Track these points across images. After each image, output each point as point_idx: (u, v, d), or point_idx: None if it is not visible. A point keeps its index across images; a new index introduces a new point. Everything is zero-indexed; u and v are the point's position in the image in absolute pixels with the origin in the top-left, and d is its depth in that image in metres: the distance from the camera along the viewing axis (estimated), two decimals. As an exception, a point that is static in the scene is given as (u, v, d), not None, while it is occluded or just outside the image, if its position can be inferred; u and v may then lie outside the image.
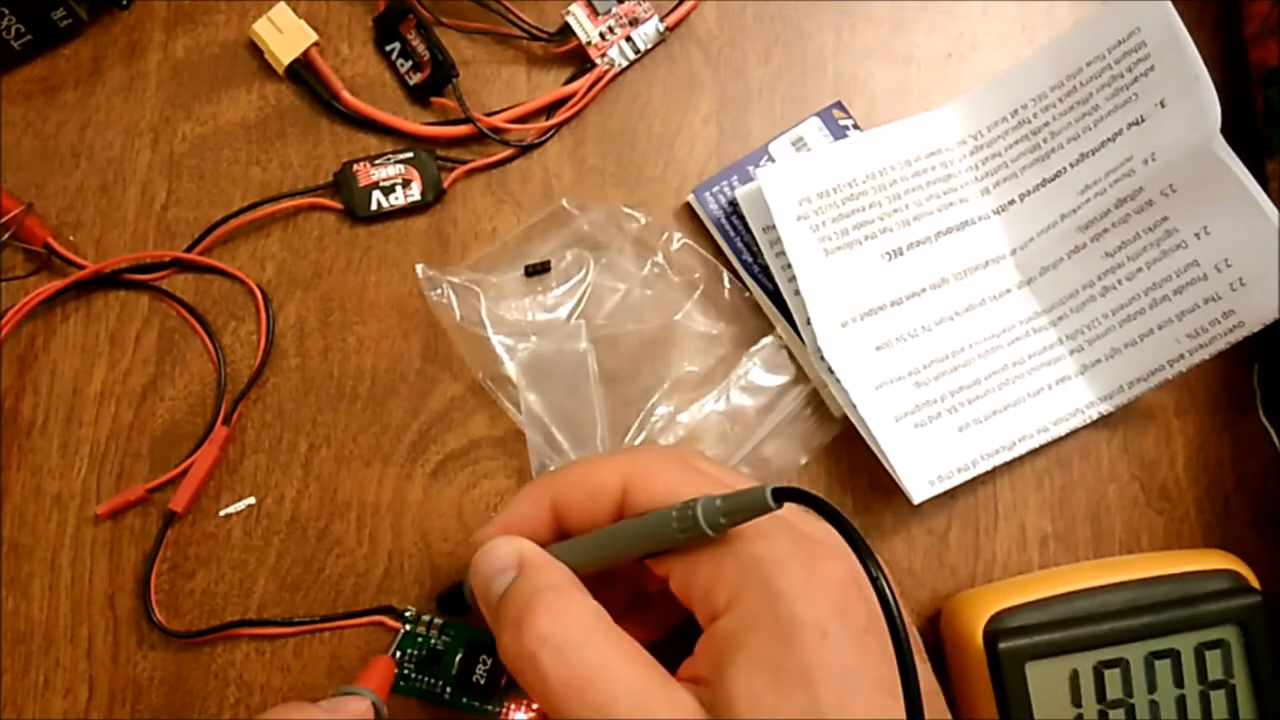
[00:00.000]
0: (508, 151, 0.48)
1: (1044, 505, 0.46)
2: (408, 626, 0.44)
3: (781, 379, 0.46)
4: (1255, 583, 0.42)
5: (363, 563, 0.45)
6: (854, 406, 0.44)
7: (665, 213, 0.48)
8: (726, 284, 0.47)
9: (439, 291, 0.45)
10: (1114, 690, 0.41)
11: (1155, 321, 0.44)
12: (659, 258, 0.47)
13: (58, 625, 0.44)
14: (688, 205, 0.48)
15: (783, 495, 0.30)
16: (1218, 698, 0.41)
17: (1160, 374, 0.44)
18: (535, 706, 0.43)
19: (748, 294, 0.47)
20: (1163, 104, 0.43)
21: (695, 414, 0.46)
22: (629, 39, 0.48)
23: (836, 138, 0.48)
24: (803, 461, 0.46)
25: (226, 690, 0.44)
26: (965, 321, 0.46)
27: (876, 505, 0.46)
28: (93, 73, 0.48)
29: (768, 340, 0.46)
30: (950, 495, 0.45)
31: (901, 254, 0.46)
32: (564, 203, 0.47)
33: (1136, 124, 0.44)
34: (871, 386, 0.44)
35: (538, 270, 0.46)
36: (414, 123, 0.48)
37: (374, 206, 0.47)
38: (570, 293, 0.46)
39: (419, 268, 0.45)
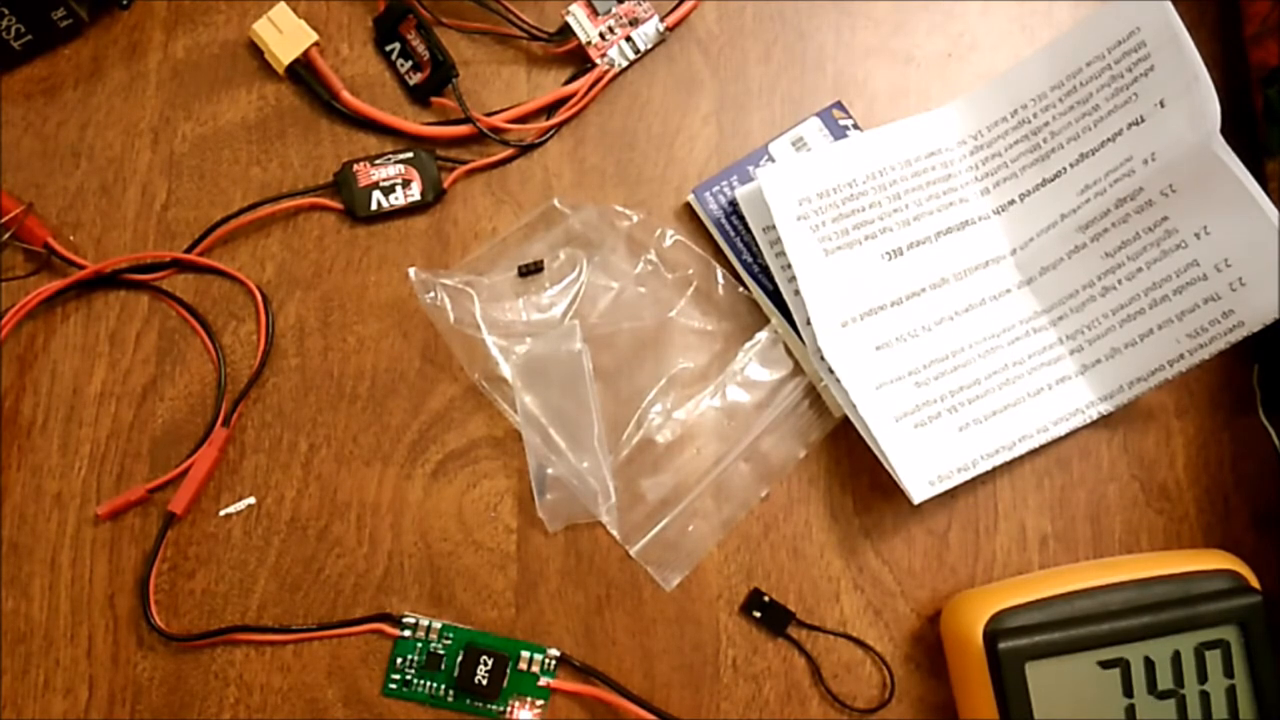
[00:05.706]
0: (508, 151, 0.48)
1: (1044, 505, 0.46)
2: (406, 632, 0.44)
3: (778, 373, 0.46)
4: (1255, 583, 0.42)
5: (363, 562, 0.45)
6: (854, 406, 0.44)
7: (665, 212, 0.48)
8: (720, 280, 0.47)
9: (433, 294, 0.45)
10: (1114, 690, 0.41)
11: (1155, 321, 0.44)
12: (652, 255, 0.47)
13: (58, 625, 0.44)
14: (687, 205, 0.48)
15: None
16: (1218, 698, 0.41)
17: (1160, 374, 0.44)
18: (540, 704, 0.43)
19: (742, 289, 0.47)
20: (1162, 104, 0.43)
21: (692, 410, 0.46)
22: (629, 39, 0.48)
23: (836, 138, 0.48)
24: (801, 455, 0.46)
25: (226, 690, 0.44)
26: (965, 321, 0.46)
27: (876, 505, 0.46)
28: (93, 73, 0.48)
29: (763, 335, 0.46)
30: (950, 495, 0.45)
31: (901, 254, 0.46)
32: (555, 202, 0.47)
33: (1136, 124, 0.44)
34: (871, 386, 0.44)
35: (531, 270, 0.46)
36: (414, 123, 0.48)
37: (374, 206, 0.47)
38: (564, 292, 0.46)
39: (411, 271, 0.45)
